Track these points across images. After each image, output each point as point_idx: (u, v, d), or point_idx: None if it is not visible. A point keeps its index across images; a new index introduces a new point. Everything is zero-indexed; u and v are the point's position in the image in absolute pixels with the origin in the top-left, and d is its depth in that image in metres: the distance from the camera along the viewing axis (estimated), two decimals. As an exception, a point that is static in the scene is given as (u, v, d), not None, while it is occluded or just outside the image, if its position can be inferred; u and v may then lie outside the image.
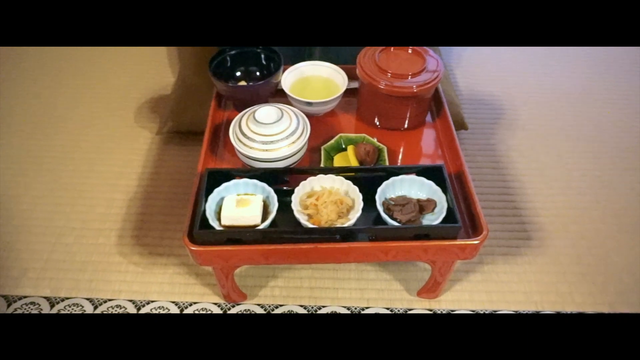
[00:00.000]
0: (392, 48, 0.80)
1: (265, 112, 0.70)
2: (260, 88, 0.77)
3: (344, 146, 0.76)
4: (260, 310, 0.75)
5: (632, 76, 1.21)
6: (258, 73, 0.84)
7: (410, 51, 0.80)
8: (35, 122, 1.06)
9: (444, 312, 0.76)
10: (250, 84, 0.81)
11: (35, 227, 0.86)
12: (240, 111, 0.76)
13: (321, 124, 0.81)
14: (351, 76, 0.82)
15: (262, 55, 0.84)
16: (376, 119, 0.80)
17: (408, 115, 0.79)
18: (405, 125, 0.80)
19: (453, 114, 0.97)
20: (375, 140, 0.76)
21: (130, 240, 0.85)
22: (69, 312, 0.74)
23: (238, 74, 0.84)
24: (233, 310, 0.75)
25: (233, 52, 0.83)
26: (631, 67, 1.24)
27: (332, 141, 0.76)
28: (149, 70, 1.21)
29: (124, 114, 1.09)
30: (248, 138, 0.68)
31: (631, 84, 1.18)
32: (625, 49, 1.29)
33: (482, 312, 0.75)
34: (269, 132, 0.68)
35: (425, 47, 0.81)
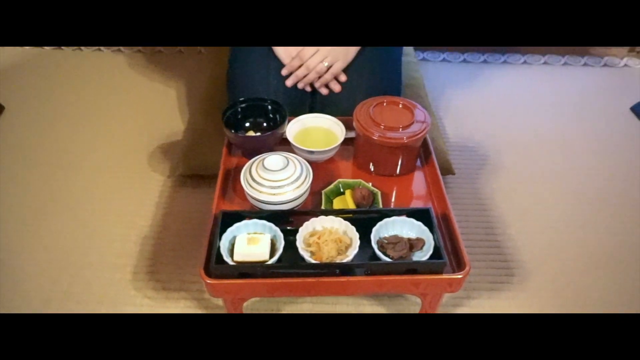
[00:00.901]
0: (384, 102, 0.90)
1: (273, 160, 0.79)
2: (268, 138, 0.86)
3: (342, 190, 0.85)
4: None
5: (608, 124, 1.32)
6: (265, 124, 0.94)
7: (400, 105, 0.90)
8: (55, 164, 1.15)
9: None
10: (259, 134, 0.90)
11: (56, 261, 0.93)
12: (249, 158, 0.85)
13: (322, 170, 0.90)
14: (348, 127, 0.92)
15: (269, 108, 0.93)
16: (371, 166, 0.90)
17: (399, 163, 0.88)
18: (397, 172, 0.90)
19: (441, 160, 1.06)
20: (370, 185, 0.85)
21: (144, 275, 0.92)
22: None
23: (247, 124, 0.93)
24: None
25: (243, 105, 0.93)
26: (608, 115, 1.35)
27: (332, 186, 0.84)
28: (159, 116, 1.30)
29: (137, 158, 1.17)
30: (257, 183, 0.77)
31: (607, 132, 1.29)
32: (604, 101, 1.41)
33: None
34: (276, 178, 0.76)
35: (413, 102, 0.91)
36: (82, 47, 1.58)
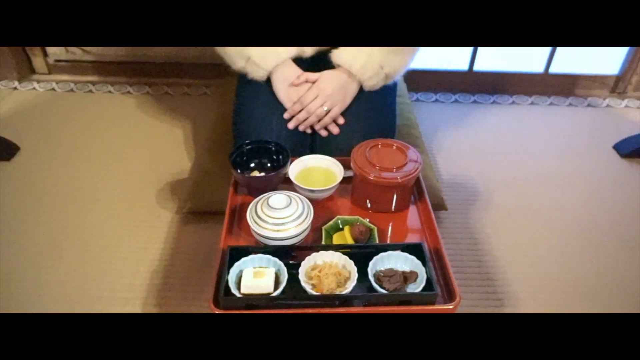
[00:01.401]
0: (379, 144, 0.97)
1: (277, 198, 0.85)
2: (272, 178, 0.93)
3: (341, 226, 0.91)
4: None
5: (592, 161, 1.39)
6: (269, 164, 1.00)
7: (394, 147, 0.97)
8: (68, 201, 1.21)
9: None
10: (263, 174, 0.97)
11: (69, 295, 0.98)
12: (254, 196, 0.91)
13: (322, 207, 0.96)
14: (346, 166, 0.99)
15: (273, 149, 1.00)
16: (368, 203, 0.96)
17: (394, 200, 0.95)
18: (392, 208, 0.96)
19: (434, 197, 1.13)
20: (367, 221, 0.91)
21: (153, 308, 0.96)
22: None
23: (252, 164, 1.00)
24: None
25: (249, 147, 1.00)
26: (592, 152, 1.42)
27: (331, 222, 0.91)
28: (167, 155, 1.37)
29: (146, 195, 1.24)
30: (262, 220, 0.83)
31: (591, 169, 1.36)
32: (588, 139, 1.49)
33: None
34: (279, 216, 0.83)
35: (406, 144, 0.98)
36: (93, 89, 1.66)
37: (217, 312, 0.73)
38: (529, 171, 1.35)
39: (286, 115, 1.08)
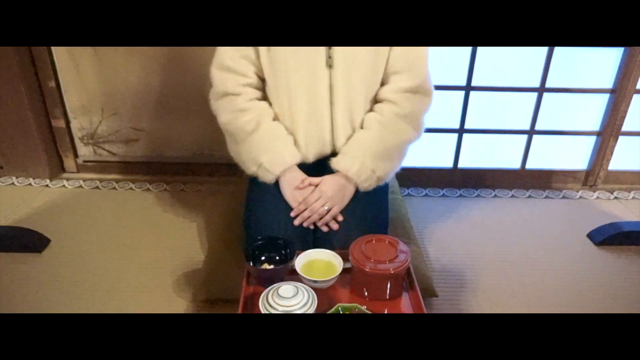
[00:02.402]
0: (373, 240, 1.12)
1: (286, 288, 0.98)
2: (281, 270, 1.07)
3: (342, 313, 1.03)
4: None
5: (568, 249, 1.53)
6: (277, 257, 1.15)
7: (387, 242, 1.12)
8: (94, 290, 1.33)
9: None
10: (272, 267, 1.11)
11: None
12: (264, 286, 1.04)
13: (325, 295, 1.09)
14: (345, 258, 1.12)
15: (281, 244, 1.15)
16: (365, 292, 1.09)
17: (388, 289, 1.08)
18: (387, 296, 1.09)
19: (425, 285, 1.26)
20: (364, 308, 1.03)
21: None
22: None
23: (263, 258, 1.14)
24: None
25: (260, 242, 1.15)
26: (568, 241, 1.57)
27: (333, 309, 1.03)
28: (182, 247, 1.51)
29: (163, 284, 1.36)
30: (273, 308, 0.96)
31: (567, 255, 1.50)
32: (564, 228, 1.64)
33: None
34: (288, 304, 0.96)
35: (397, 239, 1.13)
36: (117, 187, 1.85)
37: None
38: (512, 258, 1.49)
39: (292, 214, 1.24)
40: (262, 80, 1.24)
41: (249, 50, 1.18)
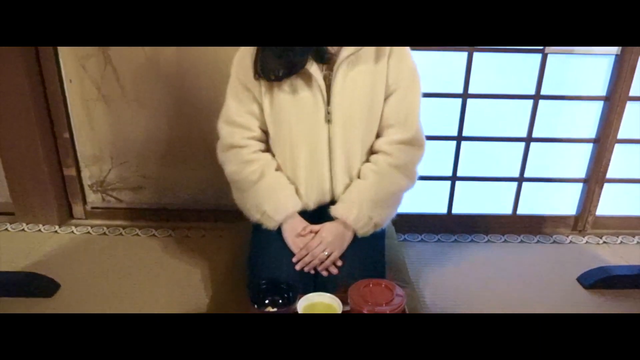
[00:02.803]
0: (370, 284, 1.18)
1: (288, 330, 1.04)
2: (284, 313, 1.13)
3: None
4: None
5: (558, 292, 1.58)
6: (280, 300, 1.20)
7: (383, 285, 1.18)
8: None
9: None
10: (276, 309, 1.17)
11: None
12: (268, 328, 1.10)
13: (325, 337, 1.14)
14: (344, 302, 1.18)
15: (284, 288, 1.21)
16: (363, 333, 1.14)
17: (385, 331, 1.13)
18: (384, 338, 1.14)
19: (421, 327, 1.31)
20: (362, 349, 1.09)
21: None
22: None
23: (267, 301, 1.20)
24: None
25: (264, 286, 1.21)
26: (558, 284, 1.63)
27: (333, 350, 1.08)
28: (186, 291, 1.57)
29: (170, 328, 1.41)
30: (277, 349, 1.01)
31: (557, 298, 1.55)
32: (554, 272, 1.70)
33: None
34: (291, 345, 1.01)
35: (393, 283, 1.19)
36: (123, 233, 1.91)
37: None
38: (504, 300, 1.54)
39: (294, 259, 1.30)
40: (266, 133, 1.33)
41: (253, 106, 1.29)
